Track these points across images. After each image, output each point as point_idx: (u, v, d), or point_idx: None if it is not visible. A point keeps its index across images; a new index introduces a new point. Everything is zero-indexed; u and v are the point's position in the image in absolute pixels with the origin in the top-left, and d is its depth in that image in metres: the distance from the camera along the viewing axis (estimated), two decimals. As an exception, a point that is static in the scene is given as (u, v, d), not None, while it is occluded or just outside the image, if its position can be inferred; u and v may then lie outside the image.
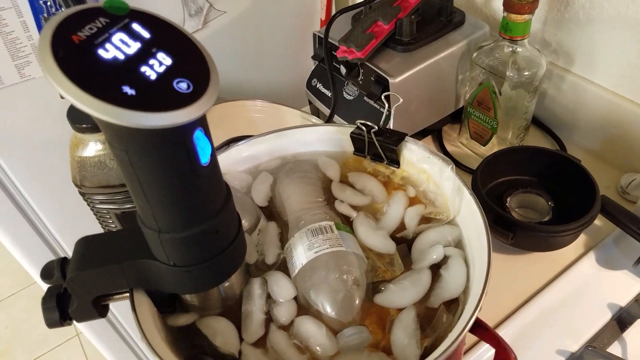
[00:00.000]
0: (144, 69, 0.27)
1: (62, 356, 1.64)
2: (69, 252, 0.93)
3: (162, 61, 0.28)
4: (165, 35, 0.29)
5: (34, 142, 0.76)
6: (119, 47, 0.27)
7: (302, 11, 0.97)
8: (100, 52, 0.26)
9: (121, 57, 0.27)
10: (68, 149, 0.56)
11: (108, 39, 0.27)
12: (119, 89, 0.25)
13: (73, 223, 0.85)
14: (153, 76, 0.27)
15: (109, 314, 1.02)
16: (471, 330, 0.36)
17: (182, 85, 0.27)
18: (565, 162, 0.62)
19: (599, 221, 0.62)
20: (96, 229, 0.65)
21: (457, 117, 0.76)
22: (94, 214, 0.61)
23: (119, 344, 1.11)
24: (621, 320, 0.55)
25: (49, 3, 0.66)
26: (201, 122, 0.30)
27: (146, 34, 0.28)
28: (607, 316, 0.54)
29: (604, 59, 0.67)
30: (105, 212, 0.59)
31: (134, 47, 0.27)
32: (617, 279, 0.57)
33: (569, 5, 0.67)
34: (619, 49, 0.64)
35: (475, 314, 0.34)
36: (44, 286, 0.39)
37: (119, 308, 1.02)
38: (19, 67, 0.69)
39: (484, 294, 0.35)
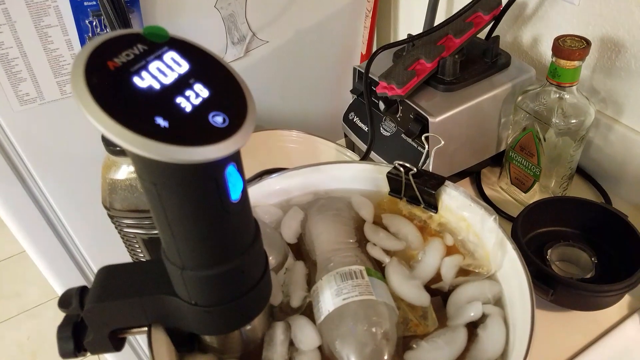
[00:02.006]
0: (179, 100, 0.26)
1: (81, 371, 1.64)
2: (95, 271, 0.92)
3: (199, 93, 0.27)
4: (204, 66, 0.28)
5: (70, 160, 0.77)
6: (155, 76, 0.26)
7: (344, 45, 0.97)
8: (136, 80, 0.25)
9: (157, 86, 0.26)
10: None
11: (144, 67, 0.26)
12: (151, 120, 0.24)
13: (103, 243, 0.85)
14: (188, 108, 0.26)
15: (130, 338, 1.00)
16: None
17: (218, 119, 0.26)
18: (611, 216, 0.59)
19: (645, 281, 0.58)
20: (125, 250, 0.64)
21: (497, 160, 0.73)
22: (121, 237, 0.60)
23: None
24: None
25: (94, 23, 0.67)
26: (234, 158, 0.29)
27: (185, 64, 0.27)
28: (653, 386, 0.50)
29: (657, 111, 0.63)
30: (132, 236, 0.58)
31: (171, 76, 0.26)
32: (666, 346, 0.53)
33: (620, 53, 0.64)
34: (674, 100, 0.61)
35: (517, 384, 0.31)
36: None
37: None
38: (60, 84, 0.70)
39: (526, 363, 0.32)
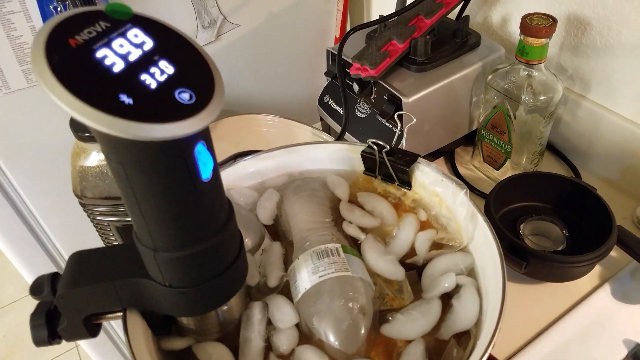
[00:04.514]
0: (144, 77, 0.25)
1: (60, 366, 1.62)
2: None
3: (164, 69, 0.26)
4: (168, 42, 0.28)
5: (38, 149, 0.75)
6: (118, 53, 0.25)
7: (317, 27, 0.96)
8: (98, 57, 0.25)
9: (120, 64, 0.25)
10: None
11: (107, 44, 0.25)
12: (115, 98, 0.24)
13: (75, 233, 0.83)
14: (153, 85, 0.25)
15: (108, 327, 0.99)
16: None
17: (184, 96, 0.26)
18: (580, 190, 0.60)
19: (614, 252, 0.59)
20: (98, 239, 0.63)
21: (470, 139, 0.74)
22: (94, 225, 0.60)
23: (117, 356, 1.08)
24: (637, 358, 0.52)
25: (59, 9, 0.65)
26: (203, 136, 0.29)
27: (149, 41, 0.27)
28: (622, 353, 0.52)
29: (622, 87, 0.65)
30: (105, 224, 0.58)
31: (135, 54, 0.26)
32: (634, 314, 0.55)
33: (585, 30, 0.65)
34: (637, 76, 0.62)
35: (488, 351, 0.32)
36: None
37: (118, 321, 1.00)
38: (26, 72, 0.68)
39: (498, 330, 0.33)
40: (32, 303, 0.36)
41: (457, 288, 0.41)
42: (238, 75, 0.90)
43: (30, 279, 0.88)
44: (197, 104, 0.26)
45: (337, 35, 0.98)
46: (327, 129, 0.80)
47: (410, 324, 0.39)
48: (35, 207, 0.80)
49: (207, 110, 0.26)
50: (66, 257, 0.89)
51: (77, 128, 0.51)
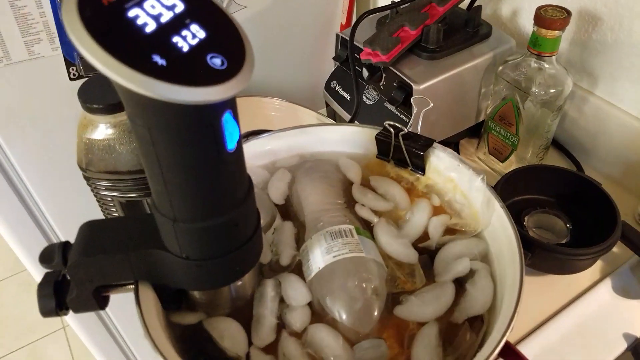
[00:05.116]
0: (176, 39, 0.25)
1: (46, 347, 1.60)
2: (63, 240, 0.89)
3: (195, 33, 0.26)
4: (199, 7, 0.27)
5: (37, 123, 0.73)
6: (150, 13, 0.25)
7: (323, 13, 0.95)
8: (130, 16, 0.24)
9: (152, 24, 0.24)
10: (72, 133, 0.53)
11: (139, 4, 0.24)
12: (148, 58, 0.23)
13: (71, 210, 0.82)
14: (185, 48, 0.25)
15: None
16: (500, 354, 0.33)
17: (216, 61, 0.25)
18: (586, 184, 0.60)
19: (615, 248, 0.59)
20: (96, 217, 0.62)
21: (475, 131, 0.74)
22: (97, 200, 0.58)
23: (106, 338, 1.07)
24: (637, 352, 0.52)
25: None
26: (231, 105, 0.28)
27: (180, 4, 0.26)
28: (622, 347, 0.52)
29: (630, 84, 0.65)
30: (109, 199, 0.57)
31: (166, 15, 0.25)
32: (634, 308, 0.55)
33: (597, 25, 0.65)
34: (647, 74, 0.63)
35: (508, 333, 0.32)
36: (34, 273, 0.36)
37: (111, 303, 0.99)
38: (28, 44, 0.66)
39: (516, 314, 0.33)
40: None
41: (471, 273, 0.41)
42: (243, 57, 0.89)
43: (21, 255, 0.87)
44: (228, 70, 0.25)
45: (343, 22, 0.97)
46: (332, 115, 0.79)
47: (424, 307, 0.39)
48: (31, 182, 0.79)
49: (239, 76, 0.25)
50: (59, 235, 0.88)
51: (86, 99, 0.49)
